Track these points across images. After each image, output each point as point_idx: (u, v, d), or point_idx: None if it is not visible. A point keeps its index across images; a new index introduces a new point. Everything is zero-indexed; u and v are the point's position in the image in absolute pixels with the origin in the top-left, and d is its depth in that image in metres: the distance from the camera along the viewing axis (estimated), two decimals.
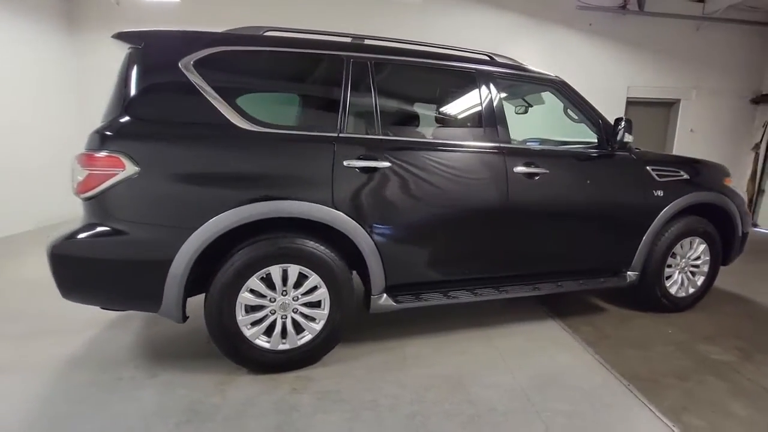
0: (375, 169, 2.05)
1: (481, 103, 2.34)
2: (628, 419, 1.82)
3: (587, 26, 6.40)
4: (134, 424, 1.67)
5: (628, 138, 2.46)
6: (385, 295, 2.17)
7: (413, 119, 2.35)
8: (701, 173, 2.92)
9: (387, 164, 2.07)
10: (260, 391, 1.91)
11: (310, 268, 1.99)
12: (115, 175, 1.72)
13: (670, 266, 2.88)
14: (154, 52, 1.88)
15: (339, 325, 2.10)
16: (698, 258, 2.96)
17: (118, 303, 1.95)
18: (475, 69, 2.37)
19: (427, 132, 2.35)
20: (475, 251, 2.37)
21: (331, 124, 2.05)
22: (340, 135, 2.04)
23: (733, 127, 6.97)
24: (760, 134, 6.87)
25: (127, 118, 1.80)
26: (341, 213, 1.99)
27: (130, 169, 1.72)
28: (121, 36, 1.90)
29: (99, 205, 1.75)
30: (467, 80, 2.36)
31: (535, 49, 6.26)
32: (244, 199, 1.84)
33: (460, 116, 2.45)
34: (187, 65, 1.87)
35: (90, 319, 2.57)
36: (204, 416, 1.72)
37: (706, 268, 3.01)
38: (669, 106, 6.97)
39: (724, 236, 2.99)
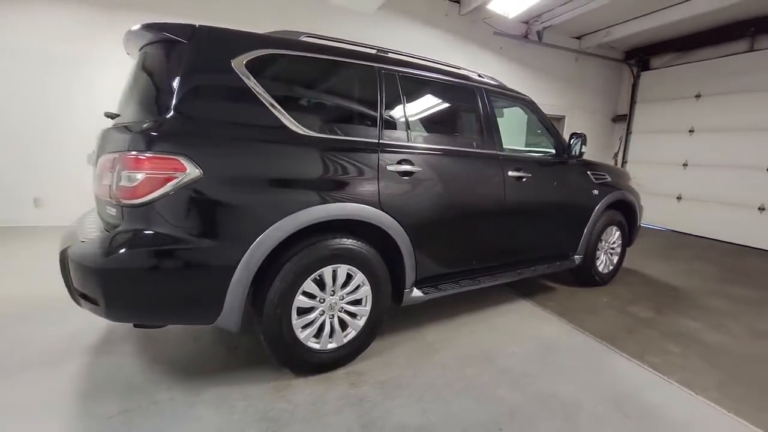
0: (411, 173, 2.24)
1: (481, 115, 2.71)
2: (613, 364, 2.37)
3: (499, 49, 7.40)
4: None
5: (584, 149, 3.10)
6: (414, 288, 2.38)
7: (433, 128, 2.59)
8: (617, 176, 3.78)
9: (419, 169, 2.28)
10: (321, 390, 1.95)
11: (356, 267, 2.09)
12: (174, 178, 1.59)
13: (598, 249, 3.67)
14: (205, 49, 1.76)
15: (378, 319, 2.23)
16: (615, 242, 3.84)
17: (171, 317, 1.77)
18: (475, 85, 2.74)
19: (444, 140, 2.62)
20: (480, 245, 2.72)
21: (371, 131, 2.17)
22: (381, 141, 2.18)
23: (601, 139, 8.81)
24: (617, 145, 8.82)
25: (180, 118, 1.66)
26: (386, 214, 2.13)
27: (191, 172, 1.61)
28: (167, 28, 1.73)
29: (155, 211, 1.59)
30: (470, 95, 2.71)
31: (456, 62, 7.00)
32: (306, 202, 1.86)
33: (467, 126, 2.78)
34: (239, 65, 1.80)
35: (65, 347, 2.20)
36: (283, 422, 1.71)
37: (619, 250, 3.90)
38: (558, 120, 8.48)
39: (630, 225, 3.93)
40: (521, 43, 7.45)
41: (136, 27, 1.82)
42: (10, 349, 2.16)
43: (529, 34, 7.43)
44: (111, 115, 2.11)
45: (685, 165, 7.18)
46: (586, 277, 3.67)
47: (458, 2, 6.84)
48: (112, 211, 1.67)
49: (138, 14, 5.01)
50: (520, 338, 2.62)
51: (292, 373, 2.06)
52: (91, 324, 2.46)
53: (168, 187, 1.58)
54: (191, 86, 1.71)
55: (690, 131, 7.16)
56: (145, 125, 1.64)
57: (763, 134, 6.17)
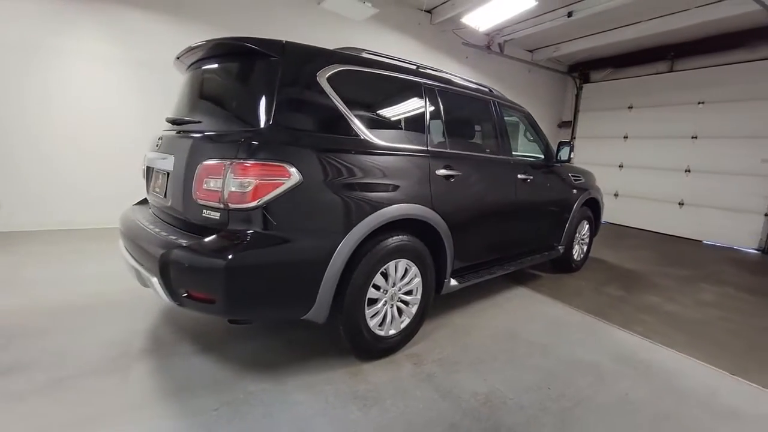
0: (452, 176, 2.55)
1: (497, 124, 3.09)
2: (609, 333, 2.88)
3: (465, 58, 7.97)
4: (325, 418, 1.75)
5: (572, 156, 3.63)
6: (452, 278, 2.69)
7: (463, 136, 2.90)
8: (587, 177, 4.41)
9: (458, 173, 2.59)
10: (392, 371, 2.18)
11: (411, 261, 2.35)
12: (282, 184, 1.73)
13: (574, 240, 4.27)
14: (295, 64, 1.90)
15: (426, 307, 2.51)
16: (585, 234, 4.48)
17: (275, 311, 1.88)
18: (491, 98, 3.12)
19: (471, 147, 2.95)
20: (495, 238, 3.11)
21: (421, 140, 2.44)
22: (429, 149, 2.46)
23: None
24: None
25: (278, 128, 1.80)
26: (436, 213, 2.42)
27: (294, 177, 1.76)
28: (261, 44, 1.85)
29: (265, 214, 1.72)
30: (488, 106, 3.08)
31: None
32: (382, 203, 2.08)
33: (487, 134, 3.14)
34: (322, 79, 1.97)
35: (116, 354, 2.19)
36: (374, 399, 1.93)
37: (587, 241, 4.56)
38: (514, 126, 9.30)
39: (595, 219, 4.60)
40: (484, 53, 8.09)
41: (220, 39, 1.92)
42: (58, 360, 2.10)
43: (491, 45, 8.10)
44: (175, 121, 2.15)
45: (621, 166, 8.31)
46: (565, 264, 4.25)
47: (430, 13, 7.27)
48: (213, 214, 1.77)
49: (118, 6, 4.76)
50: (531, 318, 3.06)
51: (357, 359, 2.26)
52: (123, 330, 2.45)
53: (277, 191, 1.72)
54: (285, 98, 1.86)
55: (624, 137, 8.30)
56: (252, 135, 1.76)
57: (680, 141, 7.39)
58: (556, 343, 2.67)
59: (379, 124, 2.26)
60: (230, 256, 1.64)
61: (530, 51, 8.83)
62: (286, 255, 1.78)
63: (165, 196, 2.09)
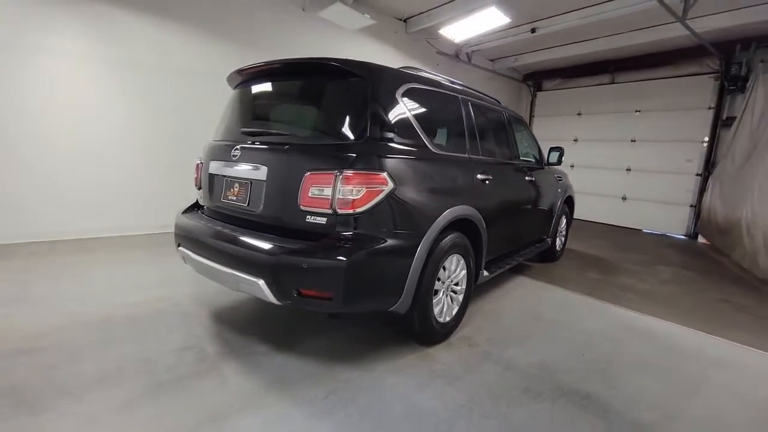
0: (486, 180, 2.91)
1: (509, 132, 3.52)
2: (607, 310, 3.43)
3: (436, 65, 8.45)
4: (424, 394, 2.01)
5: (562, 160, 4.17)
6: (484, 270, 3.06)
7: (489, 144, 3.27)
8: (565, 178, 5.04)
9: (491, 177, 2.96)
10: (455, 353, 2.49)
11: (461, 255, 2.67)
12: (381, 191, 1.96)
13: (557, 233, 4.87)
14: (380, 84, 2.13)
15: (469, 296, 2.85)
16: (563, 227, 5.11)
17: (376, 303, 2.07)
18: (503, 109, 3.53)
19: (495, 153, 3.33)
20: (511, 233, 3.53)
21: (463, 148, 2.77)
22: (470, 156, 2.79)
23: None
24: None
25: (373, 141, 2.02)
26: (478, 212, 2.76)
27: (389, 185, 2.00)
28: (351, 66, 2.05)
29: (370, 217, 1.94)
30: (501, 116, 3.50)
31: None
32: (447, 205, 2.38)
33: (503, 141, 3.54)
34: (399, 96, 2.22)
35: (174, 363, 2.26)
36: (454, 376, 2.22)
37: (565, 233, 5.20)
38: None
39: (570, 213, 5.26)
40: (453, 62, 8.65)
41: (313, 59, 2.10)
42: (146, 366, 2.13)
43: (459, 54, 8.68)
44: (251, 133, 2.28)
45: (572, 166, 9.31)
46: (550, 255, 4.83)
47: (405, 22, 7.63)
48: (319, 219, 1.95)
49: (102, 5, 4.53)
50: (541, 301, 3.53)
51: (421, 345, 2.54)
52: (185, 336, 2.52)
53: (378, 198, 1.95)
54: (376, 114, 2.08)
55: (575, 140, 9.32)
56: (355, 147, 1.97)
57: (622, 144, 8.50)
58: (570, 319, 3.14)
59: (435, 134, 2.54)
60: (348, 257, 1.85)
61: (492, 60, 9.56)
62: (384, 253, 2.01)
63: (248, 203, 2.20)
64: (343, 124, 2.08)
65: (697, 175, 7.52)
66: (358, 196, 1.90)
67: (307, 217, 1.98)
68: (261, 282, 1.94)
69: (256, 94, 2.45)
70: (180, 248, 2.51)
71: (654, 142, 8.05)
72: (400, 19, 7.53)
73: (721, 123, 7.23)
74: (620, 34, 7.12)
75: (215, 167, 2.43)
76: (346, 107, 2.10)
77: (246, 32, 5.68)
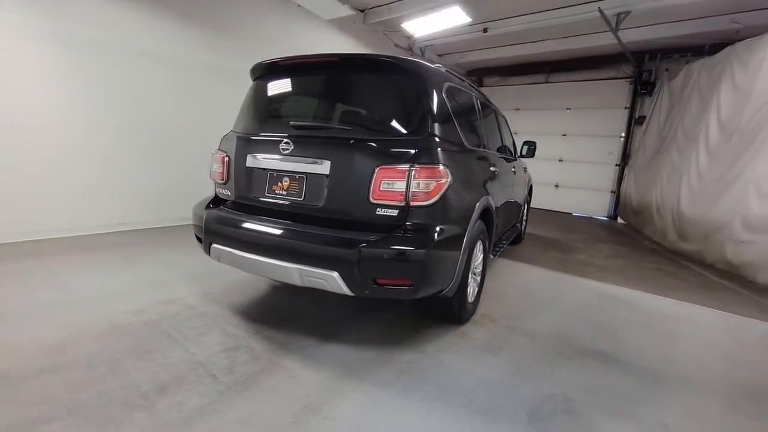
0: (496, 172, 3.19)
1: (500, 127, 3.85)
2: (579, 282, 3.98)
3: None
4: (481, 366, 2.22)
5: (534, 153, 4.65)
6: (491, 254, 3.37)
7: (490, 138, 3.52)
8: (526, 169, 5.60)
9: (497, 168, 3.25)
10: (483, 328, 2.74)
11: (482, 240, 2.93)
12: (445, 184, 2.10)
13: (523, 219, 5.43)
14: (435, 83, 2.24)
15: (484, 278, 3.13)
16: (525, 213, 5.70)
17: (434, 287, 2.17)
18: (495, 107, 3.85)
19: (494, 146, 3.61)
20: (505, 219, 3.90)
21: (480, 143, 3.00)
22: (486, 150, 3.04)
23: None
24: None
25: (434, 137, 2.14)
26: (492, 201, 3.03)
27: (450, 178, 2.15)
28: (410, 64, 2.13)
29: (436, 208, 2.06)
30: (495, 113, 3.80)
31: None
32: (480, 196, 2.60)
33: (497, 135, 3.83)
34: (445, 94, 2.36)
35: (235, 358, 2.22)
36: (495, 348, 2.47)
37: (526, 219, 5.81)
38: None
39: (530, 200, 5.88)
40: (407, 55, 8.89)
41: (376, 56, 2.14)
42: (197, 376, 2.03)
43: (413, 48, 8.94)
44: (304, 126, 2.25)
45: None
46: (517, 238, 5.38)
47: (364, 13, 7.64)
48: (390, 212, 2.03)
49: None
50: (526, 279, 3.97)
51: (453, 324, 2.75)
52: (225, 336, 2.44)
53: (443, 190, 2.09)
54: (435, 111, 2.20)
55: (515, 134, 10.20)
56: (424, 142, 2.08)
57: (555, 137, 9.55)
58: (557, 293, 3.61)
59: (464, 129, 2.74)
60: (428, 246, 1.97)
61: (440, 56, 9.99)
62: (447, 241, 2.17)
63: (304, 197, 2.19)
64: (407, 121, 2.17)
65: (616, 165, 8.80)
66: (429, 189, 2.02)
67: (378, 209, 2.05)
68: (335, 274, 1.98)
69: (302, 87, 2.40)
70: (214, 246, 2.38)
71: (581, 137, 9.20)
72: (360, 10, 7.52)
73: (634, 121, 8.53)
74: (559, 39, 7.95)
75: (256, 161, 2.34)
76: (410, 104, 2.19)
77: (207, 12, 5.27)
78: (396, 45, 8.36)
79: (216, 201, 2.67)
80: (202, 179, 5.48)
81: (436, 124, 2.21)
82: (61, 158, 4.21)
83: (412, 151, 2.04)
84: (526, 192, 5.14)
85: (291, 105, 2.48)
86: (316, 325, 2.65)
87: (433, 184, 2.03)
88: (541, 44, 8.13)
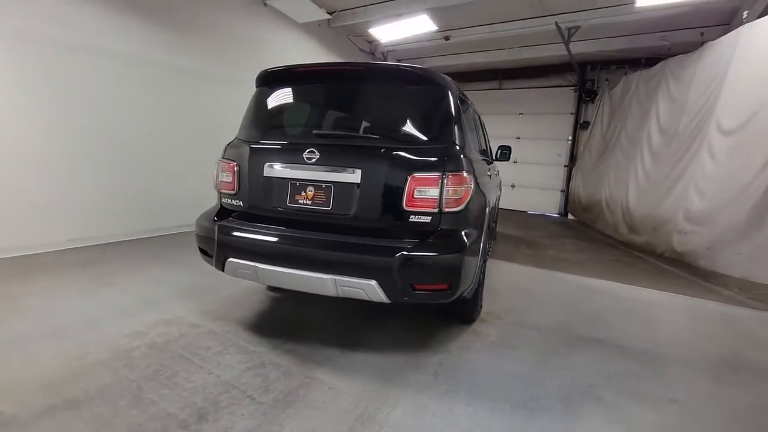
0: (491, 176, 3.37)
1: (484, 132, 4.05)
2: (557, 276, 4.30)
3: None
4: (505, 361, 2.34)
5: (509, 158, 4.93)
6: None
7: (485, 143, 3.68)
8: (498, 172, 5.92)
9: (493, 173, 3.43)
10: (491, 326, 2.88)
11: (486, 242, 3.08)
12: (470, 189, 2.20)
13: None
14: (453, 92, 2.31)
15: (484, 276, 3.28)
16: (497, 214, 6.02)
17: (464, 289, 2.22)
18: (479, 113, 4.05)
19: (487, 151, 3.77)
20: (493, 220, 4.10)
21: (480, 149, 3.15)
22: (485, 158, 3.20)
23: None
24: None
25: (458, 146, 2.23)
26: (491, 204, 3.19)
27: (473, 184, 2.25)
28: (433, 75, 2.19)
29: (463, 214, 2.14)
30: (479, 118, 4.00)
31: None
32: (488, 200, 2.73)
33: (485, 140, 4.01)
34: (460, 104, 2.45)
35: (279, 382, 2.16)
36: (510, 344, 2.61)
37: (496, 219, 6.14)
38: None
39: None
40: (369, 59, 8.97)
41: (405, 66, 2.18)
42: (232, 398, 1.93)
43: (375, 53, 9.04)
44: (326, 135, 2.23)
45: None
46: (493, 235, 5.68)
47: (330, 15, 7.59)
48: (423, 218, 2.07)
49: None
50: (513, 275, 4.22)
51: (464, 324, 2.86)
52: (249, 354, 2.36)
53: (470, 196, 2.18)
54: (454, 120, 2.28)
55: None
56: (452, 151, 2.15)
57: (510, 141, 10.07)
58: (543, 287, 3.89)
59: (471, 136, 2.85)
60: (463, 250, 2.05)
61: (399, 61, 10.18)
62: (473, 244, 2.26)
63: (332, 207, 2.17)
64: (432, 129, 2.23)
65: (565, 166, 9.57)
66: (460, 196, 2.10)
67: (411, 216, 2.08)
68: (373, 283, 1.99)
69: (322, 95, 2.36)
70: (231, 260, 2.27)
71: (534, 140, 9.88)
72: (329, 13, 7.46)
73: (579, 126, 9.34)
74: (514, 48, 8.48)
75: (274, 170, 2.27)
76: (433, 113, 2.26)
77: (169, 11, 4.94)
78: (361, 50, 8.40)
79: (222, 212, 2.54)
80: (174, 188, 5.14)
81: (457, 132, 2.30)
82: (9, 167, 3.72)
83: (442, 159, 2.11)
84: (500, 193, 5.44)
85: (310, 113, 2.44)
86: (332, 334, 2.62)
87: (461, 191, 2.12)
88: (497, 53, 8.61)
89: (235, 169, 2.42)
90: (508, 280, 4.01)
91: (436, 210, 2.07)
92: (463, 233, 2.17)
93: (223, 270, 2.35)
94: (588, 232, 7.53)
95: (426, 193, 2.06)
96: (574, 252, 5.61)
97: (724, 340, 2.93)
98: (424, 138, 2.24)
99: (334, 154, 2.17)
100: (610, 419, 1.90)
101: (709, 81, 4.99)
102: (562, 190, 9.63)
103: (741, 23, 5.30)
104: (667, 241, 5.13)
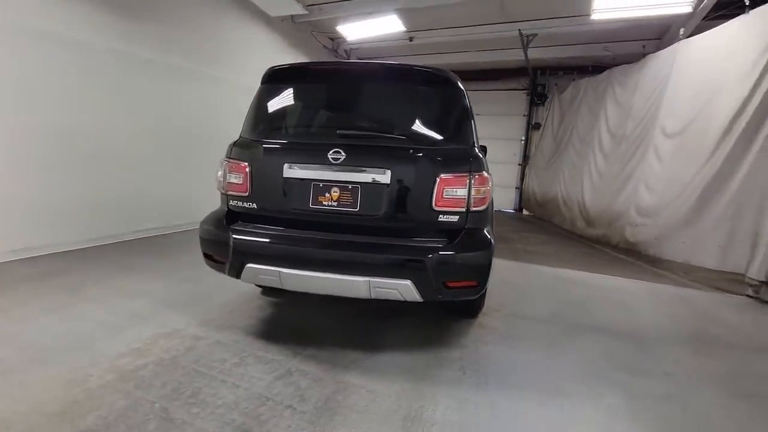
0: None
1: None
2: (531, 267, 4.60)
3: (317, 59, 8.49)
4: (519, 351, 2.47)
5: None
6: None
7: None
8: None
9: None
10: (493, 318, 3.02)
11: None
12: (491, 190, 2.29)
13: None
14: (466, 93, 2.38)
15: None
16: None
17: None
18: None
19: None
20: None
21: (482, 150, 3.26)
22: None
23: None
24: None
25: (475, 145, 2.30)
26: None
27: (491, 184, 2.34)
28: (452, 77, 2.23)
29: (485, 213, 2.22)
30: None
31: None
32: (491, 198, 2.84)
33: None
34: (470, 103, 2.53)
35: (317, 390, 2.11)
36: (520, 336, 2.75)
37: None
38: None
39: None
40: (332, 56, 8.86)
41: (428, 68, 2.20)
42: (272, 410, 1.85)
43: (338, 50, 8.93)
44: (351, 135, 2.19)
45: None
46: None
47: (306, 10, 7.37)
48: (451, 218, 2.12)
49: None
50: (495, 270, 4.41)
51: (470, 318, 2.97)
52: (272, 365, 2.27)
53: (490, 194, 2.27)
54: (472, 121, 2.35)
55: None
56: (474, 151, 2.22)
57: None
58: (526, 279, 4.13)
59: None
60: (490, 246, 2.13)
61: (360, 59, 10.17)
62: (493, 241, 2.36)
63: (359, 208, 2.14)
64: (455, 130, 2.29)
65: (519, 164, 10.18)
66: (484, 195, 2.18)
67: (440, 216, 2.12)
68: (408, 282, 2.00)
69: (344, 94, 2.29)
70: (249, 266, 2.15)
71: (491, 140, 10.29)
72: (304, 8, 7.23)
73: (531, 127, 9.98)
74: (473, 52, 8.84)
75: (297, 171, 2.18)
76: (456, 114, 2.31)
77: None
78: (324, 47, 8.26)
79: (231, 215, 2.39)
80: (126, 191, 4.68)
81: (474, 133, 2.39)
82: None
83: (467, 160, 2.18)
84: None
85: (331, 113, 2.37)
86: (345, 336, 2.59)
87: (485, 190, 2.20)
88: (459, 55, 8.93)
89: (247, 170, 2.29)
90: (493, 273, 4.19)
91: (464, 209, 2.13)
92: (485, 231, 2.25)
93: (237, 276, 2.22)
94: (546, 226, 8.09)
95: (455, 193, 2.11)
96: (540, 245, 6.01)
97: (688, 319, 3.33)
98: (447, 139, 2.29)
99: (362, 155, 2.15)
100: (627, 395, 2.09)
101: (652, 89, 5.60)
102: (516, 187, 10.24)
103: (673, 38, 6.03)
104: (620, 233, 5.69)
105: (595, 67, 7.87)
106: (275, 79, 2.45)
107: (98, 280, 3.30)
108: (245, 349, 2.34)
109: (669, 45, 6.24)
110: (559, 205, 7.89)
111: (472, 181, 2.13)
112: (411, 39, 8.09)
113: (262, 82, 2.50)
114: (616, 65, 6.89)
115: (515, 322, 2.99)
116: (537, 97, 9.69)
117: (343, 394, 1.96)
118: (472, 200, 2.13)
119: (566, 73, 9.22)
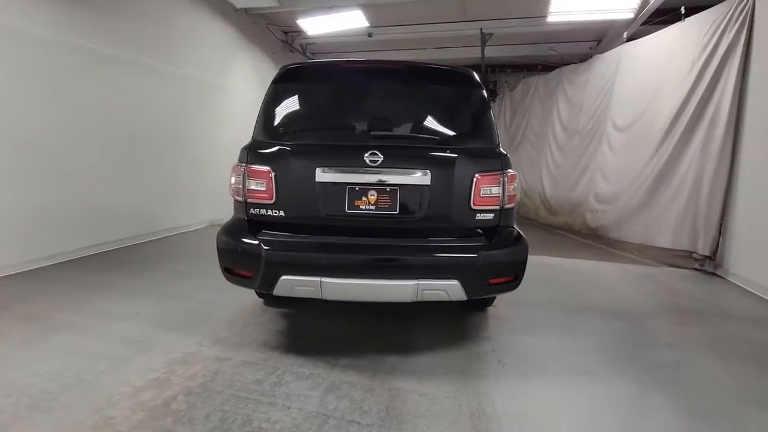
0: None
1: None
2: (537, 260, 4.85)
3: (272, 53, 8.12)
4: (540, 340, 2.59)
5: None
6: None
7: None
8: None
9: None
10: (501, 309, 3.14)
11: None
12: (518, 187, 2.36)
13: None
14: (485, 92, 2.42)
15: None
16: None
17: None
18: None
19: None
20: None
21: None
22: None
23: None
24: None
25: (499, 144, 2.35)
26: None
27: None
28: (478, 77, 2.25)
29: (514, 210, 2.29)
30: None
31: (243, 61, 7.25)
32: None
33: None
34: None
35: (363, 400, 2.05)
36: (527, 323, 2.89)
37: None
38: None
39: None
40: (287, 50, 8.53)
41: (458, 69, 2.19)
42: (337, 422, 1.76)
43: (293, 44, 8.61)
44: (387, 136, 2.14)
45: None
46: None
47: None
48: (487, 216, 2.16)
49: None
50: None
51: (480, 311, 3.07)
52: (281, 399, 2.18)
53: (519, 192, 2.35)
54: (494, 120, 2.40)
55: None
56: (501, 151, 2.26)
57: None
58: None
59: None
60: (523, 241, 2.21)
61: (313, 54, 9.87)
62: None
63: (399, 210, 2.09)
64: (482, 130, 2.31)
65: None
66: (515, 193, 2.25)
67: (477, 215, 2.15)
68: (456, 283, 2.01)
69: (374, 94, 2.20)
70: (285, 278, 2.01)
71: None
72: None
73: None
74: (430, 49, 8.98)
75: (330, 175, 2.07)
76: (481, 115, 2.33)
77: None
78: (281, 40, 7.92)
79: (253, 225, 2.21)
80: (87, 200, 4.12)
81: (497, 133, 2.45)
82: None
83: (498, 159, 2.23)
84: None
85: (361, 114, 2.27)
86: (373, 341, 2.57)
87: (515, 188, 2.27)
88: (417, 52, 9.03)
89: (272, 175, 2.13)
90: None
91: (498, 207, 2.19)
92: (515, 226, 2.33)
93: (269, 290, 2.07)
94: None
95: (490, 191, 2.15)
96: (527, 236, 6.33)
97: (659, 294, 3.73)
98: (476, 138, 2.33)
99: (401, 156, 2.10)
100: (644, 367, 2.30)
101: (602, 86, 6.14)
102: None
103: (611, 41, 6.65)
104: (582, 220, 6.19)
105: (546, 66, 8.42)
106: (292, 79, 2.31)
107: (68, 305, 2.89)
108: (277, 366, 2.20)
109: (608, 47, 6.90)
110: (520, 196, 8.36)
111: (505, 179, 2.19)
112: (370, 35, 8.03)
113: (276, 81, 2.33)
114: (564, 65, 7.44)
115: (519, 309, 3.13)
116: (489, 94, 10.13)
117: (401, 401, 1.93)
118: (506, 198, 2.19)
119: (514, 71, 9.76)
